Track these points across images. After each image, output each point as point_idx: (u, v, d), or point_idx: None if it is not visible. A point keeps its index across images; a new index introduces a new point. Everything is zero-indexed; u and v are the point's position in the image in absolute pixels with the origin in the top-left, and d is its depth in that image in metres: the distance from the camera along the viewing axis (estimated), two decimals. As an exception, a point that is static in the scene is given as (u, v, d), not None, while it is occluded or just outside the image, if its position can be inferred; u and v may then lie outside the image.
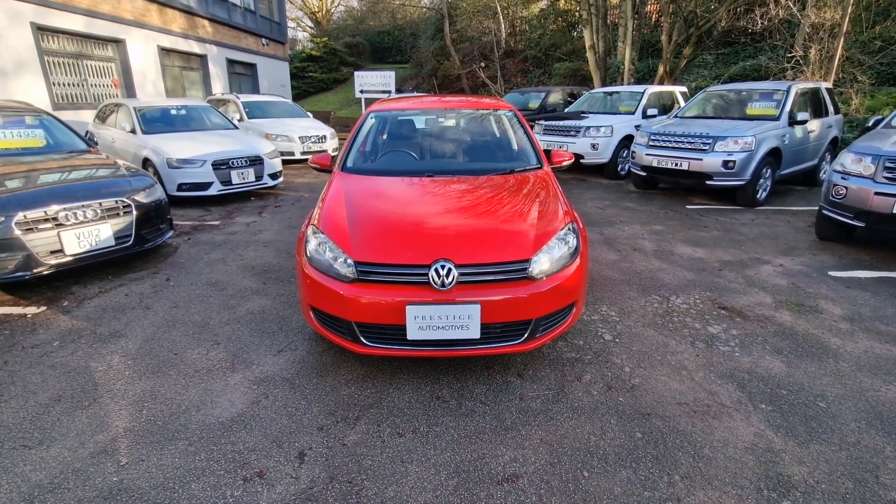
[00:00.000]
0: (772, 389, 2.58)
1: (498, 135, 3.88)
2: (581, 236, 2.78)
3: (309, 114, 11.79)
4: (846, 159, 4.66)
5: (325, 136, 10.34)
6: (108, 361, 2.83)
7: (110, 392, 2.54)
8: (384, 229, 2.63)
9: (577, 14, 21.94)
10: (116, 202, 4.10)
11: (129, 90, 12.11)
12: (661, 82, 13.23)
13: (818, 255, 4.73)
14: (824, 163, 8.31)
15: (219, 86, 15.56)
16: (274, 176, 7.43)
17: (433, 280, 2.35)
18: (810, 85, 7.82)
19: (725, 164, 6.50)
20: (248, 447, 2.14)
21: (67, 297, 3.74)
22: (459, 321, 2.36)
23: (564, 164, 3.68)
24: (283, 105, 11.59)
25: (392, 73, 15.64)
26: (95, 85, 11.39)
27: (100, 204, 3.98)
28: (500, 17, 21.24)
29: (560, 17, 22.80)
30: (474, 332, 2.39)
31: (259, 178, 7.14)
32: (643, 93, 9.76)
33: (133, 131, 7.21)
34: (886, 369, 2.76)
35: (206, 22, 14.88)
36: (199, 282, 4.06)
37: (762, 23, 11.01)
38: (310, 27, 36.24)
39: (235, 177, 6.84)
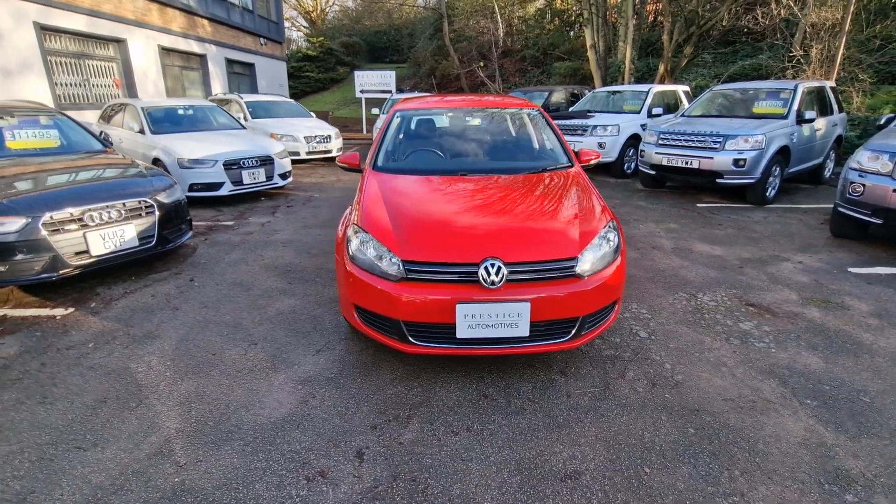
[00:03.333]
0: (813, 385, 2.61)
1: (526, 133, 3.88)
2: (620, 234, 2.80)
3: (312, 113, 11.74)
4: (863, 157, 4.72)
5: (329, 136, 10.30)
6: (147, 362, 2.80)
7: (155, 393, 2.51)
8: (430, 228, 2.63)
9: (573, 14, 22.05)
10: (139, 203, 4.06)
11: (130, 90, 12.00)
12: (661, 81, 13.31)
13: (835, 252, 4.79)
14: (829, 161, 8.40)
15: (218, 85, 15.46)
16: (284, 176, 7.39)
17: (483, 278, 2.35)
18: (816, 84, 7.90)
19: (736, 162, 6.56)
20: (304, 447, 2.13)
21: (94, 298, 3.70)
22: (509, 319, 2.37)
23: (592, 162, 3.69)
24: (286, 105, 11.54)
25: (392, 73, 15.62)
26: (97, 85, 11.28)
27: (123, 204, 3.94)
28: (498, 16, 21.28)
29: (557, 16, 22.89)
30: (523, 330, 2.40)
31: (270, 178, 7.11)
32: (648, 92, 9.82)
33: (142, 131, 7.14)
34: (921, 364, 2.80)
35: (205, 21, 14.77)
36: (223, 282, 4.03)
37: (763, 22, 11.10)
38: (304, 27, 36.09)
39: (247, 177, 6.80)
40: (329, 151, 10.29)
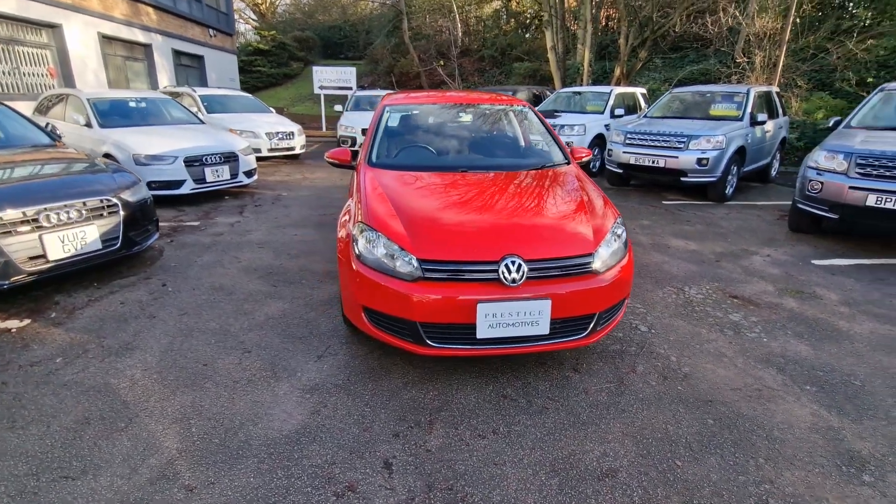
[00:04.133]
0: (808, 371, 2.74)
1: (520, 130, 3.86)
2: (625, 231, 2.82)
3: (272, 109, 11.26)
4: (820, 157, 5.05)
5: (293, 133, 9.91)
6: (130, 377, 2.54)
7: (145, 410, 2.28)
8: (446, 226, 2.54)
9: (528, 16, 22.49)
10: (101, 201, 3.70)
11: (67, 80, 11.03)
12: (617, 83, 13.79)
13: (797, 245, 5.10)
14: (775, 161, 8.99)
15: (165, 78, 14.53)
16: (249, 174, 7.03)
17: (503, 276, 2.29)
18: (764, 88, 8.43)
19: (699, 161, 6.87)
20: (326, 460, 1.99)
21: (53, 307, 3.34)
22: (530, 317, 2.32)
23: (584, 159, 3.72)
24: (243, 99, 11.00)
25: (353, 70, 15.27)
26: (29, 74, 10.29)
27: (83, 203, 3.58)
28: (456, 15, 21.34)
29: (513, 17, 23.26)
30: (544, 328, 2.36)
31: (234, 175, 6.73)
32: (610, 93, 10.12)
33: (88, 125, 6.56)
34: (892, 349, 3.01)
35: (150, 9, 13.83)
36: (201, 287, 3.75)
37: (713, 29, 11.73)
38: (253, 19, 34.70)
39: (210, 174, 6.40)
40: (292, 149, 9.91)
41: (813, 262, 4.59)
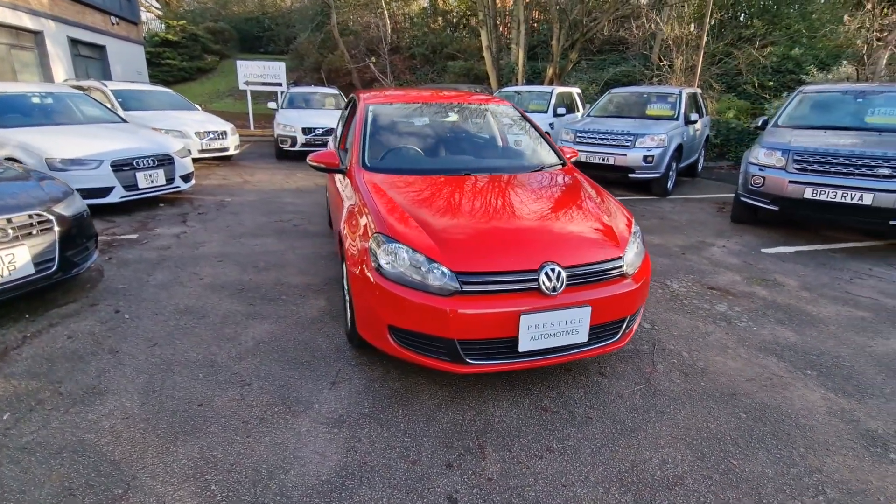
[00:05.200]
0: (803, 356, 2.93)
1: (513, 131, 3.78)
2: (635, 230, 2.84)
3: (198, 106, 10.29)
4: (760, 154, 5.50)
5: (225, 132, 9.11)
6: (110, 429, 2.12)
7: (144, 469, 1.90)
8: (476, 234, 2.38)
9: (456, 14, 22.66)
10: (31, 217, 3.09)
11: (-65, 70, 9.29)
12: (550, 83, 14.29)
13: (744, 236, 5.53)
14: (701, 157, 9.76)
15: (61, 70, 12.75)
16: (186, 178, 6.33)
17: (543, 285, 2.19)
18: (692, 90, 9.10)
19: (645, 158, 7.25)
20: (384, 505, 1.77)
21: (-22, 349, 2.73)
22: (570, 326, 2.25)
23: (572, 160, 3.72)
24: (164, 95, 9.94)
25: (281, 65, 14.38)
26: None
27: (8, 220, 2.96)
28: (385, 12, 20.95)
29: (441, 16, 23.30)
30: (583, 336, 2.30)
31: (170, 180, 6.02)
32: (551, 93, 10.42)
33: (-20, 123, 5.53)
34: (861, 328, 3.32)
35: (37, -10, 12.06)
36: (164, 310, 3.27)
37: (638, 33, 12.49)
38: (156, 7, 31.68)
39: (142, 180, 5.66)
40: (226, 149, 9.11)
41: (762, 250, 4.99)
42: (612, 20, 13.33)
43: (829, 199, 4.90)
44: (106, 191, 5.38)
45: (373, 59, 19.03)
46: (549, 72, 14.30)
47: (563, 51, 14.12)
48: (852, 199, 4.78)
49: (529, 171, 3.23)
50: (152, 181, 5.78)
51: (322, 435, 2.13)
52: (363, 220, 2.56)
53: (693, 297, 3.77)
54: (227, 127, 9.24)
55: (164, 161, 5.92)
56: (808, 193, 5.00)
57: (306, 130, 9.78)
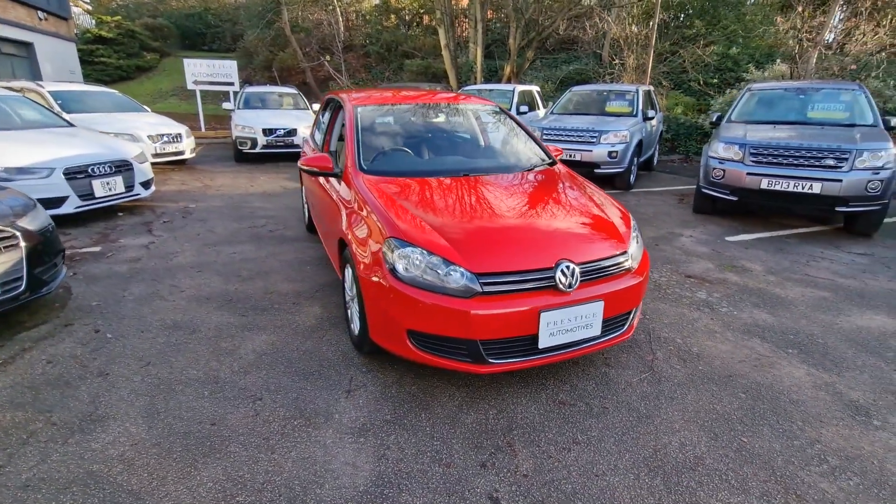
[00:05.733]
0: (782, 336, 3.16)
1: (502, 131, 3.82)
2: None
3: (146, 107, 9.70)
4: (719, 148, 5.85)
5: (180, 135, 8.65)
6: (120, 457, 1.99)
7: (167, 497, 1.80)
8: (491, 235, 2.40)
9: (409, 12, 22.55)
10: (-6, 233, 2.83)
11: None
12: (508, 81, 14.53)
13: (706, 225, 5.86)
14: (656, 152, 10.23)
15: (-17, 69, 11.66)
16: (146, 185, 5.97)
17: (560, 282, 2.25)
18: (646, 88, 9.52)
19: (610, 154, 7.53)
20: (428, 511, 1.77)
21: (-55, 381, 2.47)
22: (585, 321, 2.32)
23: (560, 156, 3.82)
24: (106, 96, 9.29)
25: (233, 64, 13.80)
26: None
27: (-31, 237, 2.71)
28: (337, 9, 20.53)
29: (394, 13, 23.11)
30: (596, 330, 2.38)
31: (130, 187, 5.66)
32: (513, 91, 10.58)
33: None
34: (825, 307, 3.61)
35: (-49, -19, 10.94)
36: (149, 327, 3.08)
37: (591, 33, 12.91)
38: (84, 2, 29.54)
39: (99, 188, 5.29)
40: (181, 153, 8.66)
41: (726, 238, 5.31)
42: (565, 19, 13.69)
43: (783, 188, 5.28)
44: (59, 201, 4.99)
45: (327, 57, 18.61)
46: (507, 70, 14.53)
47: (520, 49, 14.39)
48: (803, 188, 5.18)
49: (525, 170, 3.29)
50: (110, 189, 5.41)
51: (349, 445, 2.09)
52: (370, 225, 2.53)
53: (674, 285, 3.97)
54: (182, 129, 8.79)
55: (122, 167, 5.56)
56: (765, 184, 5.37)
57: (267, 132, 9.45)
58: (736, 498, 1.85)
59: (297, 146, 9.73)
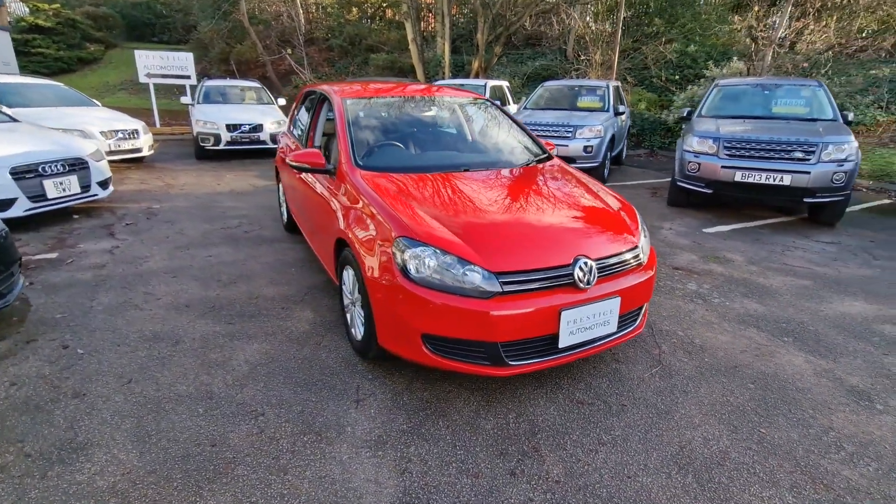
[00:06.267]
0: (775, 325, 3.23)
1: (495, 124, 3.71)
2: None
3: (97, 102, 9.03)
4: (693, 142, 5.98)
5: (136, 131, 8.11)
6: (111, 488, 1.77)
7: (175, 532, 1.61)
8: (505, 232, 2.30)
9: (371, 5, 22.13)
10: (-60, 240, 2.51)
11: None
12: (476, 76, 14.49)
13: (683, 217, 6.00)
14: (624, 146, 10.44)
15: None
16: (104, 184, 5.53)
17: (578, 279, 2.19)
18: (615, 83, 9.69)
19: (585, 148, 7.60)
20: (464, 527, 1.66)
21: None
22: (603, 317, 2.28)
23: (553, 152, 3.78)
24: (51, 89, 8.56)
25: (189, 56, 13.08)
26: None
27: (-90, 246, 2.38)
28: (297, 0, 19.88)
29: (356, 6, 22.63)
30: (613, 326, 2.34)
31: (86, 187, 5.23)
32: (485, 86, 10.53)
33: None
34: (808, 295, 3.74)
35: None
36: (126, 340, 2.82)
37: (558, 28, 13.03)
38: (17, -13, 27.33)
39: (52, 188, 4.85)
40: (138, 150, 8.11)
41: (704, 230, 5.45)
42: (532, 15, 13.77)
43: (755, 181, 5.46)
44: (6, 203, 4.54)
45: (288, 50, 17.98)
46: (475, 65, 14.47)
47: (487, 44, 14.36)
48: (775, 180, 5.37)
49: (525, 165, 3.22)
50: (64, 189, 4.98)
51: (367, 460, 1.96)
52: (376, 224, 2.38)
53: (665, 278, 4.01)
54: (139, 125, 8.24)
55: (77, 166, 5.13)
56: (739, 177, 5.54)
57: (231, 127, 9.00)
58: (767, 492, 1.84)
59: (263, 142, 9.34)
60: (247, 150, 9.38)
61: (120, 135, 7.83)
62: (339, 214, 2.73)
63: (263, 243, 4.64)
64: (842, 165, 5.23)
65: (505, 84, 11.90)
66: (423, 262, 2.14)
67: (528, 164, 3.24)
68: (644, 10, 15.95)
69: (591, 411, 2.30)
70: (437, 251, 2.15)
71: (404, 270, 2.16)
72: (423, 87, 4.04)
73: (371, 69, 17.45)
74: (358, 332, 2.64)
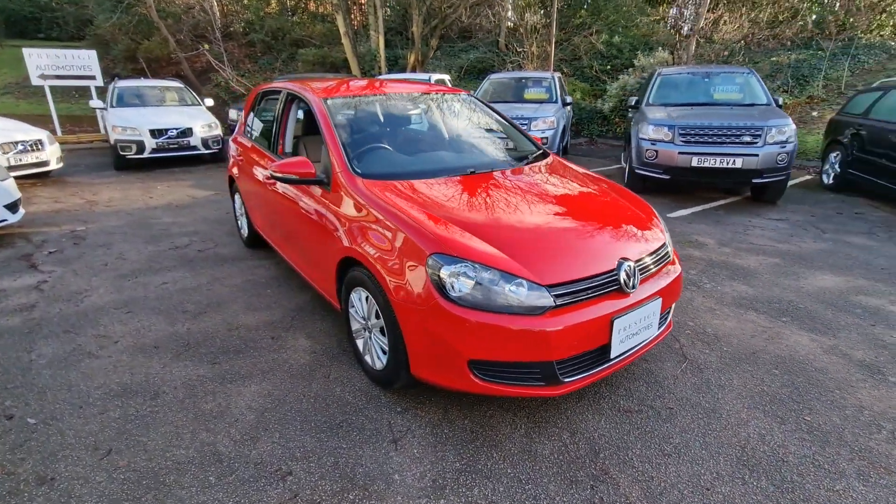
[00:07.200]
0: (769, 305, 3.34)
1: (487, 120, 3.50)
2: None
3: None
4: (649, 130, 6.16)
5: (41, 142, 7.04)
6: None
7: None
8: (545, 240, 2.12)
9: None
10: None
11: None
12: (413, 70, 14.21)
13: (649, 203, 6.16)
14: (568, 136, 10.68)
15: None
16: (13, 207, 4.70)
17: (624, 282, 2.07)
18: (558, 75, 9.84)
19: (541, 140, 7.63)
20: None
21: None
22: (647, 321, 2.19)
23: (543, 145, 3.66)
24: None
25: (92, 54, 11.60)
26: None
27: None
28: (210, -9, 18.37)
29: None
30: (655, 328, 2.26)
31: (-9, 213, 4.41)
32: (429, 79, 10.31)
33: None
34: (783, 273, 3.93)
35: None
36: (90, 400, 2.33)
37: (493, 21, 13.05)
38: None
39: (-53, 217, 4.03)
40: (45, 164, 7.07)
41: (669, 215, 5.63)
42: (467, 7, 13.68)
43: (710, 165, 5.72)
44: None
45: (205, 46, 16.59)
46: (411, 59, 14.17)
47: (423, 38, 14.10)
48: (728, 164, 5.65)
49: (528, 162, 3.06)
50: (-36, 217, 4.15)
51: (433, 512, 1.72)
52: (395, 240, 2.12)
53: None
54: (42, 134, 7.17)
55: (-23, 187, 4.30)
56: (695, 162, 5.77)
57: (156, 133, 8.09)
58: (839, 484, 1.83)
59: (194, 148, 8.52)
60: (175, 157, 8.50)
61: (20, 146, 6.76)
62: (342, 230, 2.42)
63: (224, 263, 4.15)
64: (784, 147, 5.60)
65: (447, 77, 11.74)
66: (464, 280, 1.92)
67: (530, 162, 3.09)
68: (569, 3, 16.41)
69: (642, 420, 2.20)
70: (478, 266, 1.93)
71: (442, 291, 1.92)
72: (400, 82, 3.74)
73: (300, 65, 16.56)
74: (376, 360, 2.36)
